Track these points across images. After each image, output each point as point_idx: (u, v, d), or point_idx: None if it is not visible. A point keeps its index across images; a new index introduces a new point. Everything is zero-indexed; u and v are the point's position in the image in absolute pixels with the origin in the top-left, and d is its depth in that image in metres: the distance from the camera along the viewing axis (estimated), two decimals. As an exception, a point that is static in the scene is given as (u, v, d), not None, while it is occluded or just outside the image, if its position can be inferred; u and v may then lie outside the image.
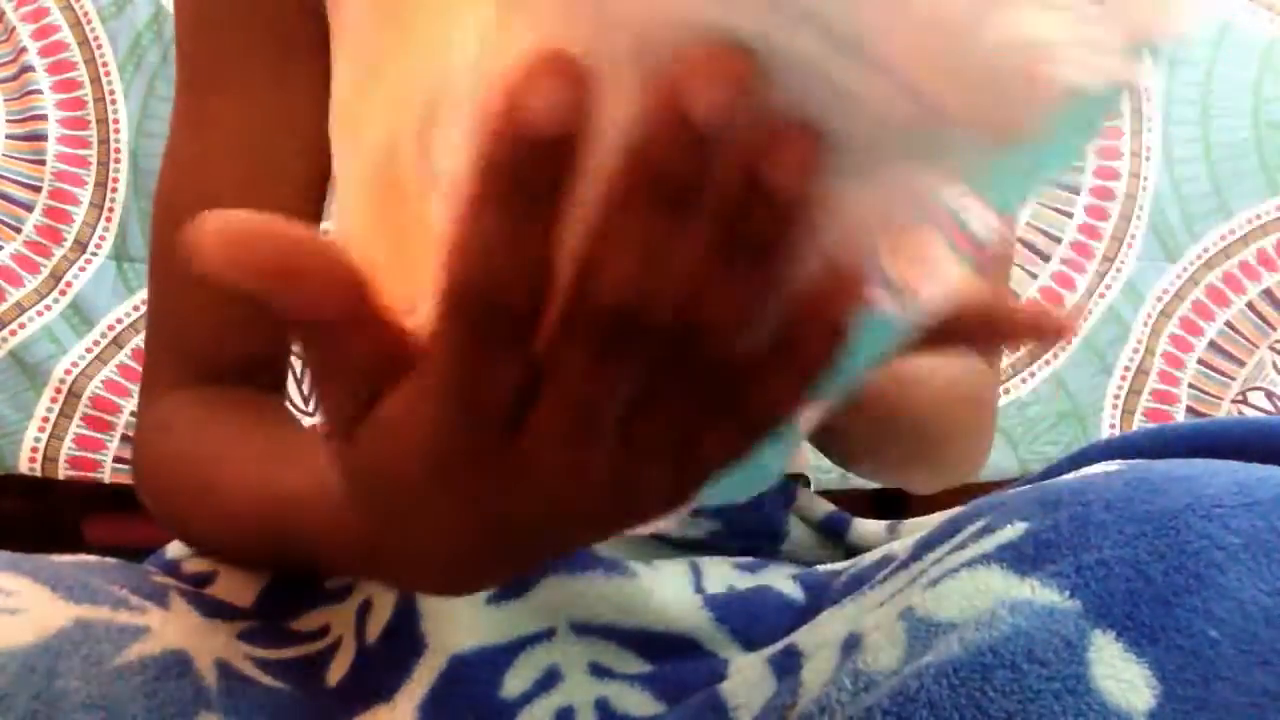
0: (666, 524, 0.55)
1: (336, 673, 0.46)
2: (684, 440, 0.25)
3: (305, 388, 1.22)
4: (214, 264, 0.22)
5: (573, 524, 0.27)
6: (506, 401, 0.24)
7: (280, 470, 0.43)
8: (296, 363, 1.22)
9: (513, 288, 0.22)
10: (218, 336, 0.54)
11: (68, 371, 1.14)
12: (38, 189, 1.16)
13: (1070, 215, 1.27)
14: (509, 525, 0.27)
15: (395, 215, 0.26)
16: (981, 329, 0.30)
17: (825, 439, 0.57)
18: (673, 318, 0.22)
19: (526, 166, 0.20)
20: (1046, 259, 1.27)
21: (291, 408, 1.20)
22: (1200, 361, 1.28)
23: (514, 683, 0.45)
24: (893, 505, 1.17)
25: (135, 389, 1.15)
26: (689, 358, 0.24)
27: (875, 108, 0.20)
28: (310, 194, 0.55)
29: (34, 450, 1.13)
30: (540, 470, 0.25)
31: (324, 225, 0.64)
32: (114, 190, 1.17)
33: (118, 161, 1.17)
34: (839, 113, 0.20)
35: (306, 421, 1.20)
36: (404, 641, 0.45)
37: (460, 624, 0.46)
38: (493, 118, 0.20)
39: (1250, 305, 1.28)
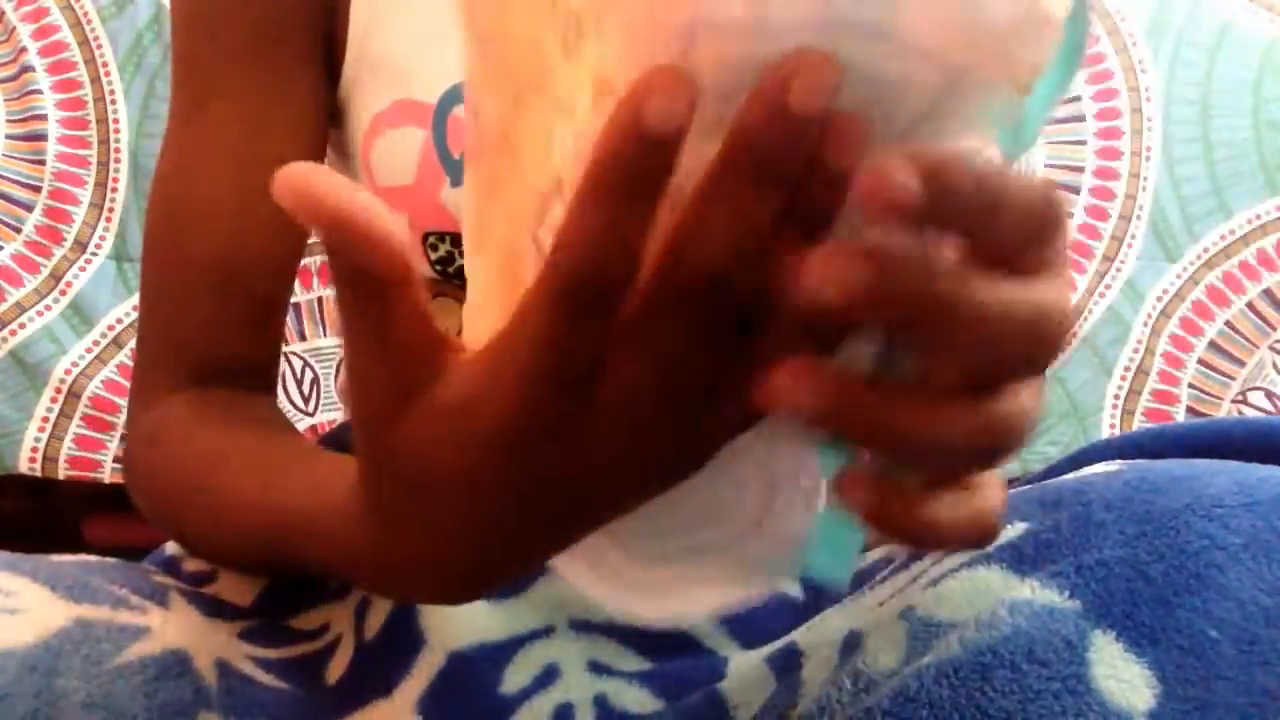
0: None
1: (336, 671, 0.46)
2: (720, 399, 0.28)
3: (305, 388, 1.22)
4: (287, 202, 0.26)
5: (612, 490, 0.29)
6: (588, 371, 0.27)
7: (276, 477, 0.43)
8: (294, 363, 1.22)
9: (617, 270, 0.25)
10: (212, 335, 0.54)
11: (68, 371, 1.14)
12: (38, 189, 1.16)
13: (1070, 215, 1.27)
14: (552, 503, 0.29)
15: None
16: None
17: None
18: (752, 280, 0.25)
19: (637, 162, 0.24)
20: (1046, 259, 1.28)
21: (290, 408, 1.20)
22: (1200, 361, 1.28)
23: (513, 679, 0.45)
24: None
25: (135, 389, 1.15)
26: (748, 317, 0.26)
27: (910, 83, 0.24)
28: None
29: (34, 450, 1.13)
30: (609, 431, 0.27)
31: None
32: (114, 190, 1.17)
33: (118, 161, 1.17)
34: (880, 92, 0.24)
35: (303, 424, 1.21)
36: (403, 638, 0.45)
37: (459, 621, 0.46)
38: (612, 124, 0.23)
39: (1250, 305, 1.28)
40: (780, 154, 0.24)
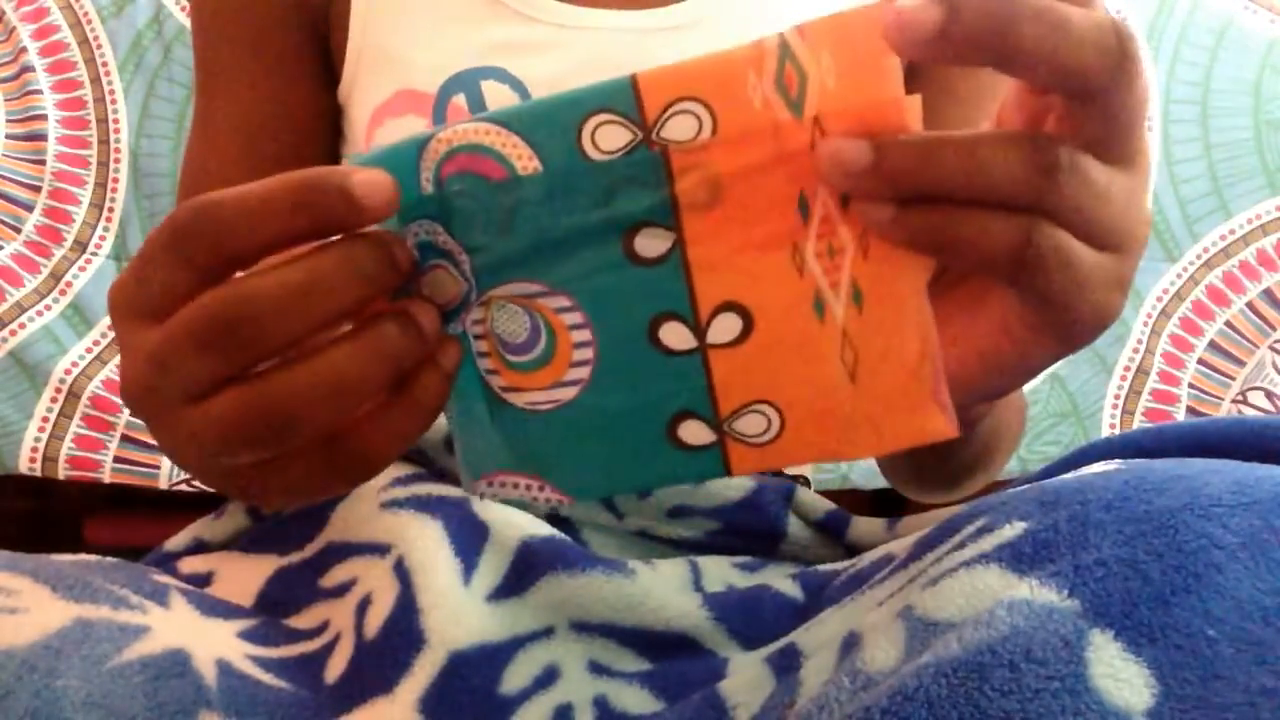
0: (668, 526, 0.56)
1: (335, 669, 0.46)
2: None
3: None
4: None
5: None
6: None
7: None
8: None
9: None
10: None
11: (68, 371, 1.14)
12: (38, 189, 1.16)
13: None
14: None
15: None
16: None
17: (909, 467, 0.60)
18: None
19: None
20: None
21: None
22: (1200, 361, 1.28)
23: (513, 679, 0.45)
24: (892, 505, 1.17)
25: (135, 389, 1.15)
26: None
27: None
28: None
29: (34, 450, 1.13)
30: None
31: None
32: (114, 190, 1.17)
33: (118, 161, 1.17)
34: None
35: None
36: (404, 638, 0.45)
37: (460, 621, 0.46)
38: None
39: (1250, 305, 1.28)
40: None
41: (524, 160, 0.31)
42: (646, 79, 0.30)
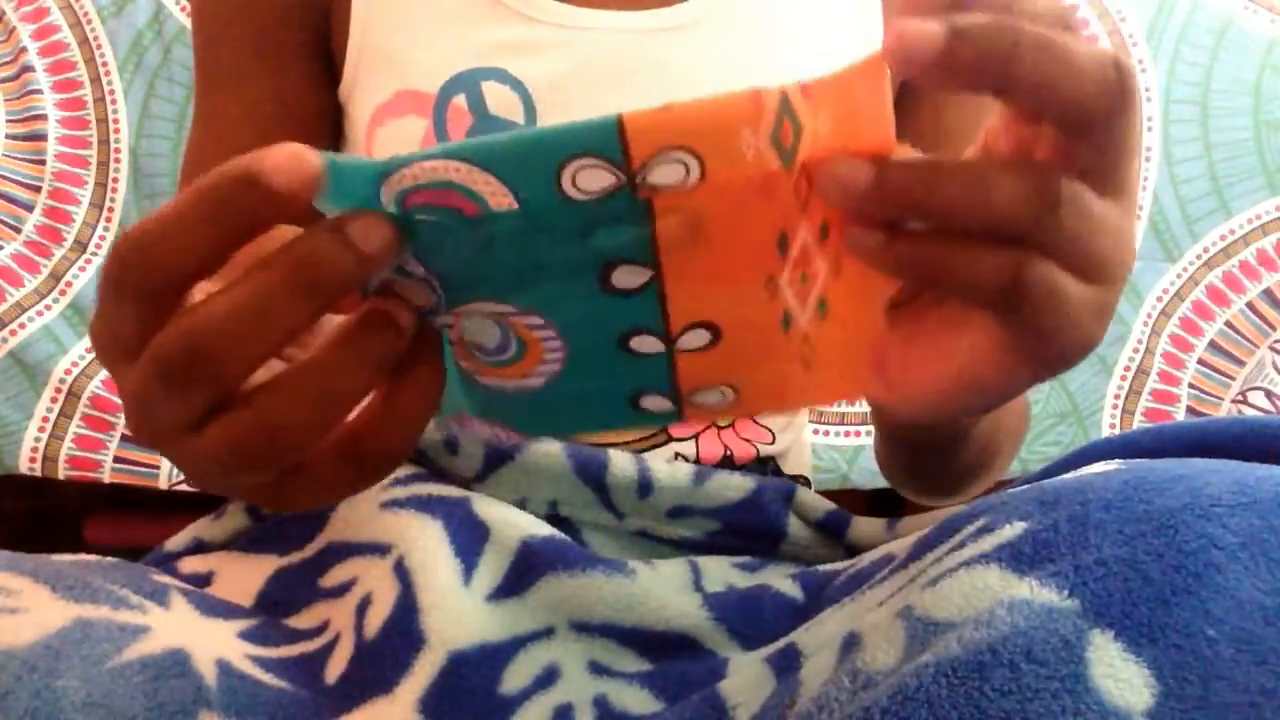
0: (669, 526, 0.56)
1: (335, 669, 0.46)
2: None
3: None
4: None
5: None
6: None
7: None
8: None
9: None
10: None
11: (68, 371, 1.14)
12: (38, 189, 1.16)
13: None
14: None
15: None
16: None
17: (907, 469, 0.61)
18: None
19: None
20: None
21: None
22: (1200, 361, 1.27)
23: (513, 679, 0.45)
24: (892, 505, 1.17)
25: (135, 389, 1.15)
26: None
27: None
28: None
29: (34, 450, 1.13)
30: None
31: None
32: (114, 190, 1.17)
33: (118, 161, 1.17)
34: None
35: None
36: (404, 637, 0.45)
37: (460, 621, 0.46)
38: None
39: (1250, 305, 1.27)
40: None
41: (497, 196, 0.30)
42: (634, 124, 0.29)
